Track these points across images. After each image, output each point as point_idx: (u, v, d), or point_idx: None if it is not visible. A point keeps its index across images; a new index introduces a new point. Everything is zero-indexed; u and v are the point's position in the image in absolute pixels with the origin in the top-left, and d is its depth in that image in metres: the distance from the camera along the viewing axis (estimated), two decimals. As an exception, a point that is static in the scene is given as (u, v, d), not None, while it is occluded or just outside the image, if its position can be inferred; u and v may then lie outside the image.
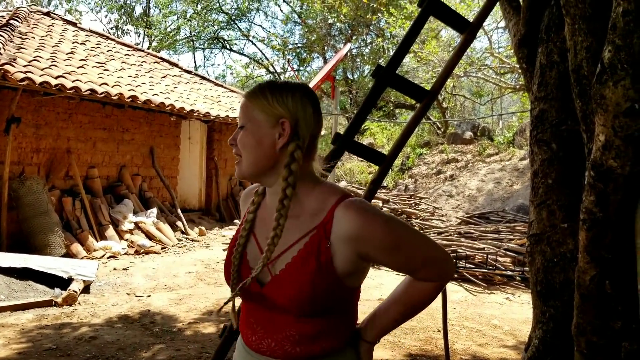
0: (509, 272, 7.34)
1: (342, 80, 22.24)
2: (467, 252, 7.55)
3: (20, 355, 4.23)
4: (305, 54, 24.38)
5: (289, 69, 23.79)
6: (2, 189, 7.25)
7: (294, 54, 24.58)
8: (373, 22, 20.66)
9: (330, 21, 21.45)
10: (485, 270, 7.27)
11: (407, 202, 9.94)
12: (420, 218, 9.59)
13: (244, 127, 1.38)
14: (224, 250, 8.42)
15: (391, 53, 19.64)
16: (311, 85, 11.53)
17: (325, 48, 22.97)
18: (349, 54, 19.70)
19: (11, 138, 7.23)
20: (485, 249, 7.62)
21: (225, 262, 1.49)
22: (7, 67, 6.42)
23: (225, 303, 1.44)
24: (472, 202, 12.59)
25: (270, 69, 25.55)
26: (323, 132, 17.17)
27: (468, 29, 2.44)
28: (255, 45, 27.22)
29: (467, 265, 7.38)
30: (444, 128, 18.03)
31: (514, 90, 15.18)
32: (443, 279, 1.41)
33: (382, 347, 4.74)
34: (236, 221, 11.74)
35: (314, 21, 22.63)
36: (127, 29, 26.97)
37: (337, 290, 1.33)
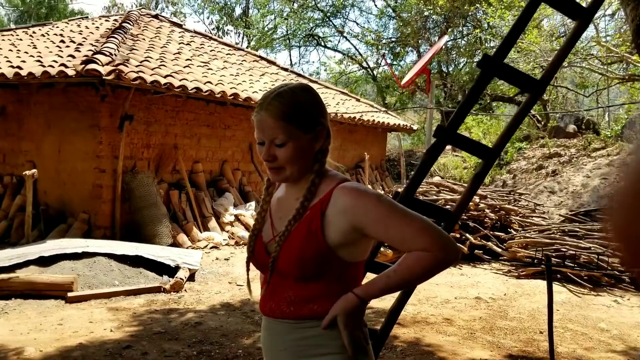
0: (618, 273, 6.89)
1: (436, 74, 21.79)
2: (572, 252, 7.17)
3: (133, 338, 4.54)
4: (399, 48, 24.12)
5: (384, 63, 23.64)
6: (116, 182, 7.80)
7: (388, 48, 24.40)
8: (470, 13, 20.05)
9: (425, 13, 21.06)
10: (596, 272, 6.87)
11: (505, 198, 9.58)
12: (520, 215, 9.22)
13: (284, 144, 1.51)
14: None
15: (490, 45, 18.95)
16: (406, 78, 11.41)
17: (420, 41, 22.59)
18: (444, 46, 19.25)
19: (124, 134, 7.75)
20: (592, 248, 7.20)
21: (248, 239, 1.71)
22: (121, 67, 6.89)
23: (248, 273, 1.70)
24: (576, 199, 11.91)
25: (364, 64, 25.53)
26: (415, 126, 16.94)
27: (581, 16, 2.32)
28: (349, 41, 27.30)
29: (571, 264, 7.02)
30: (544, 121, 17.17)
31: (622, 80, 14.18)
32: (440, 250, 1.43)
33: (480, 346, 4.63)
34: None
35: (409, 14, 22.32)
36: (228, 30, 28.04)
37: (327, 259, 1.49)
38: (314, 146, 1.55)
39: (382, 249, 6.09)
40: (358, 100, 15.21)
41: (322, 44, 26.71)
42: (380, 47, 24.30)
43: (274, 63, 13.69)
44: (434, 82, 13.05)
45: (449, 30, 21.52)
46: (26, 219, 6.95)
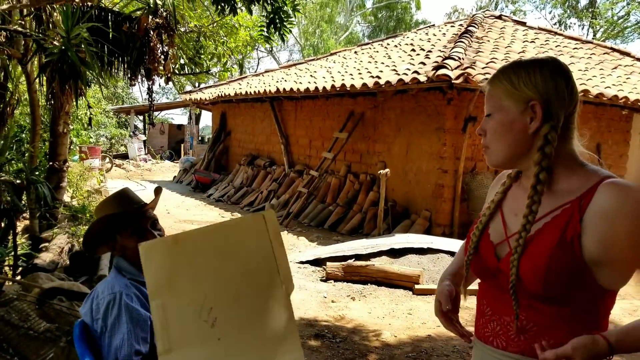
0: None
1: None
2: None
3: (477, 336, 4.59)
4: None
5: None
6: (456, 182, 8.04)
7: None
8: None
9: None
10: None
11: None
12: None
13: (490, 115, 1.33)
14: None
15: None
16: None
17: None
18: None
19: (467, 136, 7.93)
20: None
21: (466, 239, 1.45)
22: (469, 70, 7.05)
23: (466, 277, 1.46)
24: None
25: None
26: None
27: None
28: None
29: None
30: None
31: None
32: None
33: None
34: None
35: None
36: (570, 23, 26.16)
37: (579, 276, 1.18)
38: (528, 126, 1.28)
39: None
40: None
41: (691, 27, 22.64)
42: None
43: (628, 54, 12.14)
44: None
45: None
46: (379, 213, 7.73)
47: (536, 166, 1.28)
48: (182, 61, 6.33)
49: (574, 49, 10.95)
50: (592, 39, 22.55)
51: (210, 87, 16.12)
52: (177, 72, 6.42)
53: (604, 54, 11.53)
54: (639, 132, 10.58)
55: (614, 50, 12.17)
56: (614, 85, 9.12)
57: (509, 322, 1.29)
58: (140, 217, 2.01)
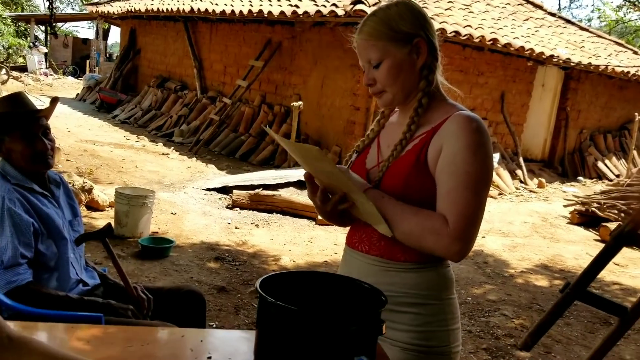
0: None
1: None
2: None
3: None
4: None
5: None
6: (368, 120, 8.21)
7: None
8: None
9: None
10: None
11: None
12: None
13: (380, 64, 1.38)
14: (564, 206, 7.97)
15: None
16: None
17: None
18: None
19: (380, 74, 8.06)
20: None
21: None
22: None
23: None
24: None
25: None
26: None
27: None
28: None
29: None
30: None
31: None
32: (455, 240, 1.28)
33: None
34: (580, 178, 10.90)
35: None
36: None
37: (431, 191, 1.34)
38: (415, 62, 1.39)
39: None
40: (636, 52, 13.35)
41: (599, -14, 23.77)
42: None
43: (540, 7, 12.65)
44: None
45: None
46: (289, 144, 7.79)
47: (420, 92, 1.41)
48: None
49: (490, -4, 11.21)
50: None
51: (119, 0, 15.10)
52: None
53: (518, 4, 11.90)
54: (541, 84, 11.18)
55: (528, 2, 12.58)
56: (522, 36, 9.52)
57: (372, 230, 1.41)
58: (32, 122, 1.92)
